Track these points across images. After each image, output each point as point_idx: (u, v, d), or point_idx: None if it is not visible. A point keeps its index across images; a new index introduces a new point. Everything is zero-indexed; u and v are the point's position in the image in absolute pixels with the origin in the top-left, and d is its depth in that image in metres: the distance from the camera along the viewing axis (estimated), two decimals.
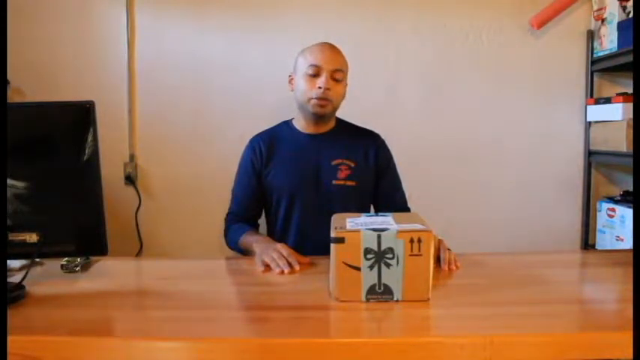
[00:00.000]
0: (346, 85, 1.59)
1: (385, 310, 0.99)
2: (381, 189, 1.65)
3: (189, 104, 2.21)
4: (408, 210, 1.68)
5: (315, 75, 1.52)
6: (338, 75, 1.52)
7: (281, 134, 1.65)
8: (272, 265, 1.27)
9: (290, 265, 1.27)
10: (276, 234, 1.62)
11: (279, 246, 1.34)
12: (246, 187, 1.62)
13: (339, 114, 1.66)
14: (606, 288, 1.21)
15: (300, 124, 1.63)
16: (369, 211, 1.68)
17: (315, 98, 1.52)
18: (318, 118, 1.57)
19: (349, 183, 1.57)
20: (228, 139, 2.19)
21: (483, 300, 1.07)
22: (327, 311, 1.01)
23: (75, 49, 2.18)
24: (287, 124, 1.66)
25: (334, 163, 1.58)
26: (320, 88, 1.50)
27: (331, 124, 1.64)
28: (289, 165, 1.59)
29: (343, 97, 1.58)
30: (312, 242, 1.53)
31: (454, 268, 1.28)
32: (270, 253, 1.30)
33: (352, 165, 1.59)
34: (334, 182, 1.57)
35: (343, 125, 1.68)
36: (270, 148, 1.62)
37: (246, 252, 1.50)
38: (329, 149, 1.59)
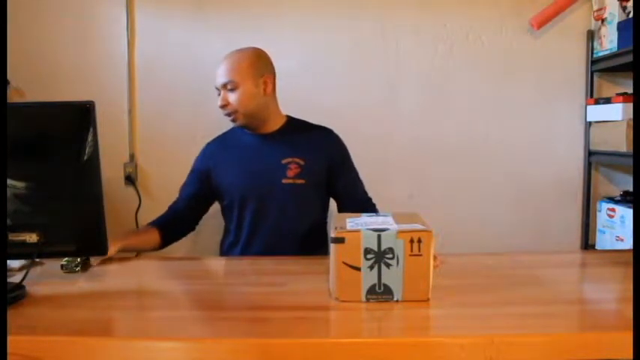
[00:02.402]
0: (257, 84, 1.56)
1: (385, 310, 0.99)
2: (340, 185, 1.65)
3: (189, 104, 2.21)
4: (371, 203, 1.68)
5: (219, 95, 1.58)
6: (229, 86, 1.55)
7: (231, 138, 1.68)
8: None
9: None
10: (230, 234, 1.66)
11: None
12: (192, 185, 1.66)
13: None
14: (606, 288, 1.21)
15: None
16: (326, 210, 1.68)
17: (226, 115, 1.58)
18: (243, 126, 1.60)
19: (298, 181, 1.57)
20: None
21: (483, 300, 1.06)
22: (327, 311, 1.01)
23: (75, 49, 2.18)
24: (239, 128, 1.66)
25: (284, 161, 1.58)
26: (220, 107, 1.57)
27: (276, 123, 1.64)
28: (238, 167, 1.61)
29: (252, 98, 1.56)
30: (264, 242, 1.58)
31: (439, 265, 1.27)
32: None
33: (301, 163, 1.58)
34: (283, 181, 1.57)
35: (294, 123, 1.68)
36: (220, 152, 1.66)
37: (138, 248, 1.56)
38: (277, 148, 1.60)
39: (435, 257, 1.31)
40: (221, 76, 1.57)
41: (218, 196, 1.66)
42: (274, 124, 1.63)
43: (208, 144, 1.72)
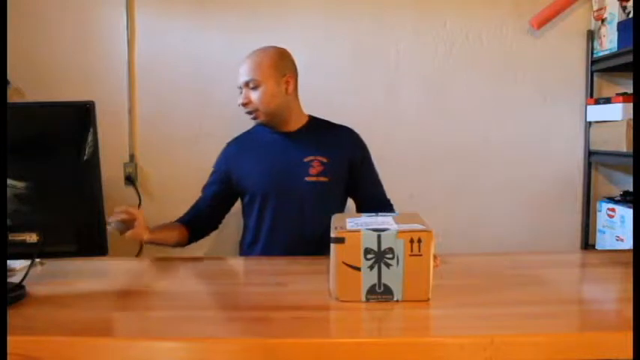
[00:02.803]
0: (279, 83, 1.56)
1: (385, 310, 0.99)
2: (360, 185, 1.65)
3: (189, 104, 2.21)
4: (389, 204, 1.68)
5: (241, 93, 1.58)
6: (251, 84, 1.55)
7: (253, 136, 1.68)
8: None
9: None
10: (249, 232, 1.65)
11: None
12: (215, 185, 1.66)
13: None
14: (606, 288, 1.21)
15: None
16: (343, 209, 1.69)
17: (247, 113, 1.59)
18: (264, 124, 1.60)
19: (322, 179, 1.57)
20: (228, 139, 2.18)
21: (483, 300, 1.06)
22: (327, 311, 1.01)
23: (75, 49, 2.18)
24: (261, 127, 1.66)
25: (306, 160, 1.58)
26: (241, 105, 1.57)
27: (298, 122, 1.64)
28: (260, 164, 1.61)
29: (274, 97, 1.56)
30: (285, 240, 1.58)
31: (438, 265, 1.28)
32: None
33: (324, 161, 1.58)
34: (306, 179, 1.57)
35: (315, 122, 1.68)
36: (241, 152, 1.66)
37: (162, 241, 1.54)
38: (300, 146, 1.60)
39: (435, 257, 1.32)
40: (243, 75, 1.56)
41: (240, 194, 1.66)
42: (296, 123, 1.63)
43: (229, 144, 1.71)
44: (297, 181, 1.57)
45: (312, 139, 1.62)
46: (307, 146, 1.60)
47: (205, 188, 1.68)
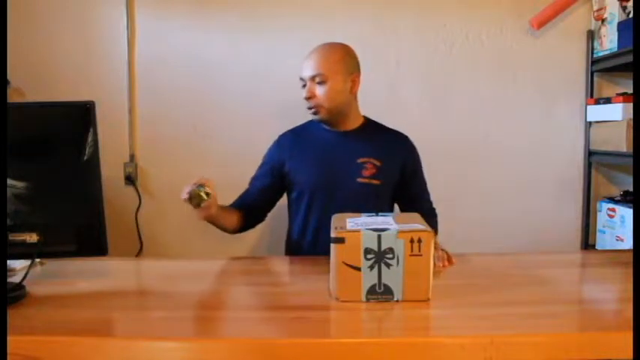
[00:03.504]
0: (345, 81, 1.55)
1: (385, 310, 0.99)
2: (409, 192, 1.64)
3: (190, 104, 2.21)
4: (434, 213, 1.68)
5: (304, 86, 1.55)
6: (318, 79, 1.53)
7: (308, 131, 1.66)
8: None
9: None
10: (295, 229, 1.63)
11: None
12: (264, 178, 1.64)
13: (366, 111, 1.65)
14: (606, 288, 1.21)
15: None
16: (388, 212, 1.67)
17: (308, 108, 1.56)
18: (323, 121, 1.59)
19: (374, 182, 1.56)
20: (228, 139, 2.19)
21: (483, 300, 1.07)
22: (327, 311, 1.01)
23: (75, 49, 2.18)
24: (315, 123, 1.65)
25: (360, 161, 1.57)
26: (305, 99, 1.54)
27: (356, 122, 1.63)
28: (313, 161, 1.59)
29: (339, 94, 1.55)
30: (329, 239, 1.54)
31: (447, 264, 1.30)
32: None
33: (378, 164, 1.57)
34: (359, 180, 1.55)
35: (371, 124, 1.67)
36: (295, 145, 1.63)
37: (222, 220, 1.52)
38: (355, 147, 1.59)
39: (449, 257, 1.32)
40: (310, 68, 1.53)
41: (288, 188, 1.64)
42: (353, 123, 1.62)
43: (283, 135, 1.68)
44: (349, 181, 1.55)
45: (367, 140, 1.61)
46: (362, 147, 1.59)
47: (254, 181, 1.66)
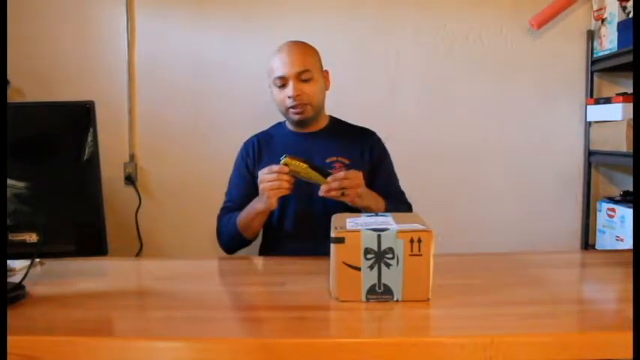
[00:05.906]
0: (323, 78, 1.56)
1: (385, 310, 0.99)
2: (376, 185, 1.62)
3: (189, 104, 2.21)
4: (402, 197, 1.66)
5: (283, 85, 1.51)
6: (305, 75, 1.50)
7: (274, 135, 1.65)
8: (276, 192, 1.32)
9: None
10: (271, 232, 1.63)
11: (266, 170, 1.35)
12: (241, 186, 1.62)
13: (335, 110, 1.64)
14: (606, 288, 1.21)
15: (291, 126, 1.64)
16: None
17: (291, 107, 1.52)
18: (303, 122, 1.57)
19: None
20: (228, 139, 2.17)
21: (483, 300, 1.06)
22: (327, 311, 1.01)
23: (75, 49, 2.18)
24: (280, 125, 1.65)
25: (328, 160, 1.57)
26: (290, 97, 1.50)
27: (322, 122, 1.63)
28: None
29: (322, 92, 1.55)
30: (306, 239, 1.53)
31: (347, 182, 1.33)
32: (267, 186, 1.33)
33: (346, 162, 1.57)
34: (329, 180, 1.55)
35: (337, 123, 1.67)
36: (262, 149, 1.62)
37: (250, 223, 1.50)
38: (322, 147, 1.58)
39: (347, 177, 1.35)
40: (294, 65, 1.48)
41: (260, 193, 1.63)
42: (321, 123, 1.62)
43: (249, 140, 1.67)
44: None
45: (333, 140, 1.60)
46: (329, 147, 1.58)
47: (230, 192, 1.63)
